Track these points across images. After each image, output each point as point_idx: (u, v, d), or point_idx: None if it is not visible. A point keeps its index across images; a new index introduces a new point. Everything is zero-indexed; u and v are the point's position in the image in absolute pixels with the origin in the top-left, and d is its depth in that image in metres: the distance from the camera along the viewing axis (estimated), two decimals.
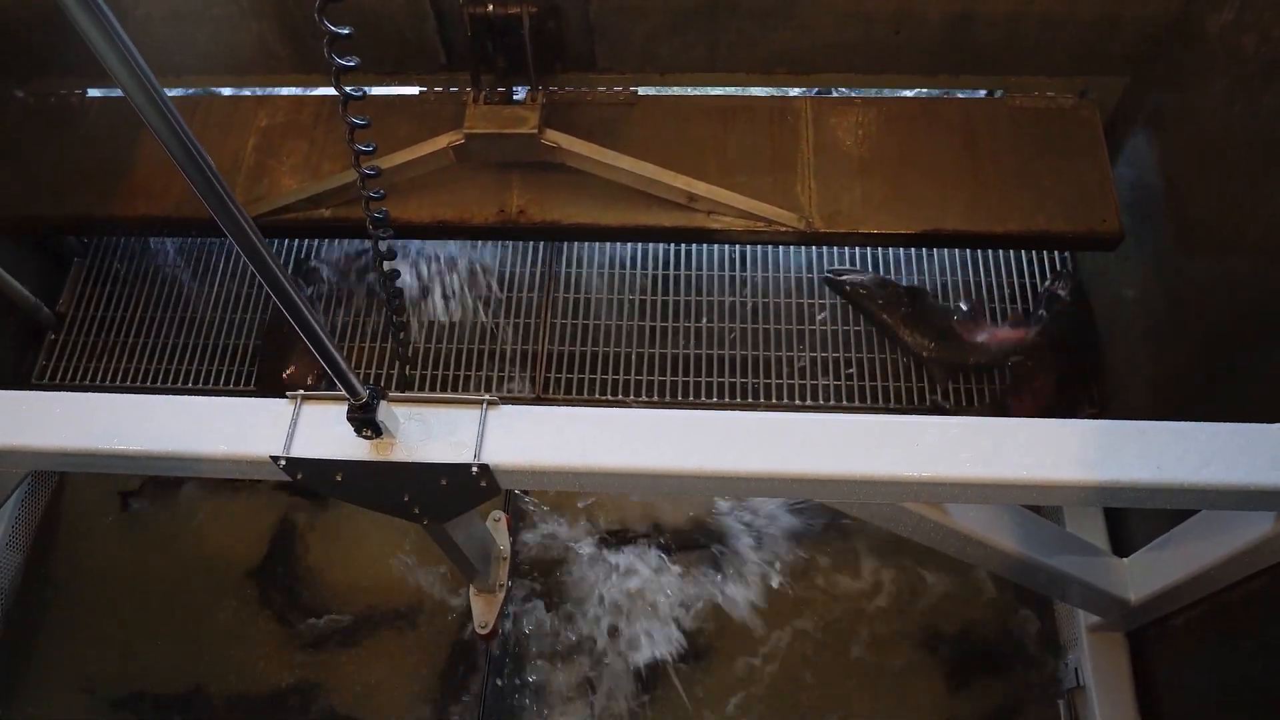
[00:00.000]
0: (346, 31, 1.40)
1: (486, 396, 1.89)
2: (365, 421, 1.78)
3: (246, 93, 3.51)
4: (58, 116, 3.45)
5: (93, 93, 3.55)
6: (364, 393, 1.74)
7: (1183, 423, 1.78)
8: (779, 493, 1.81)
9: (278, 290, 1.45)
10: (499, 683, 3.16)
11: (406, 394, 1.91)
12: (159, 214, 3.20)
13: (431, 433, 1.88)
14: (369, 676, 3.26)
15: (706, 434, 1.83)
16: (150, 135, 3.61)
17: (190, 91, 3.58)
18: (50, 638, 3.36)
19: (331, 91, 3.38)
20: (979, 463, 1.78)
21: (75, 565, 3.48)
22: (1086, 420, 1.85)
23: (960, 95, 3.36)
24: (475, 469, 1.84)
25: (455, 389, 3.46)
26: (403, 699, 3.21)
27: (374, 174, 1.81)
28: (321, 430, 1.89)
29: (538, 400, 3.46)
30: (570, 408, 1.92)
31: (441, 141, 2.93)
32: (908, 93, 3.32)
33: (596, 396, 3.44)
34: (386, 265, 2.01)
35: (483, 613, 2.94)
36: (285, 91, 3.45)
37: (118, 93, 3.66)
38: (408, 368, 2.24)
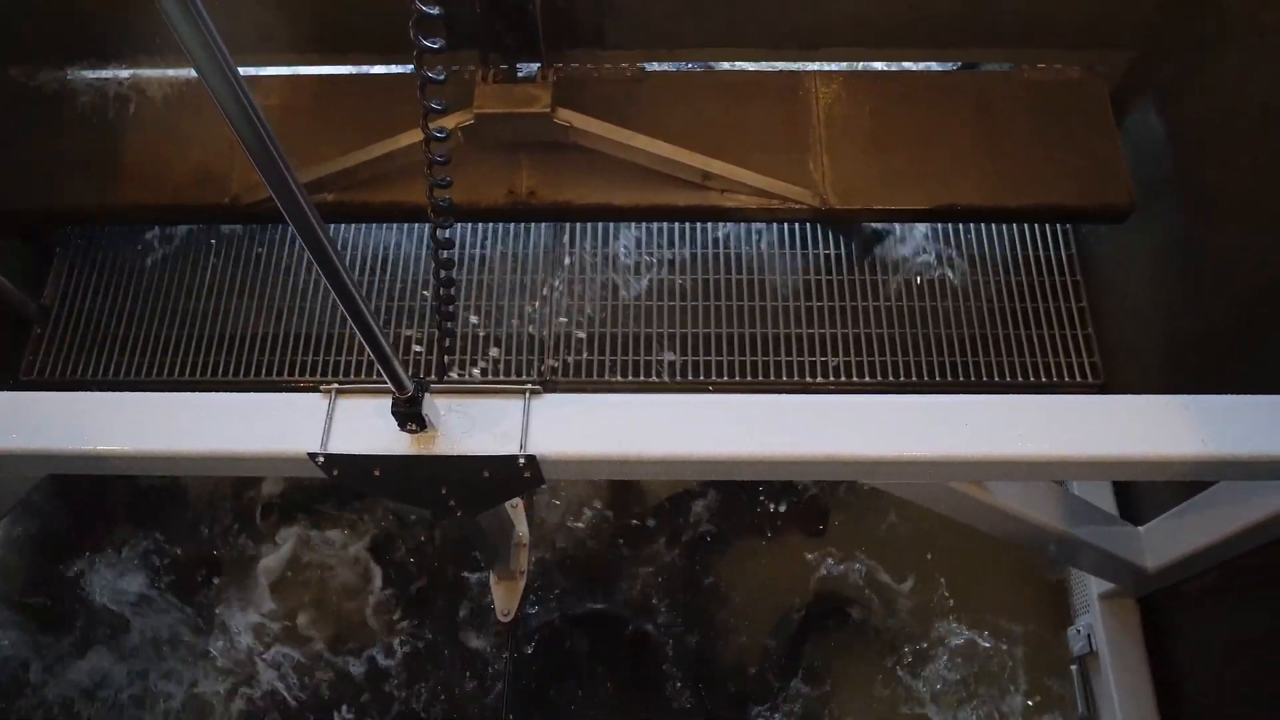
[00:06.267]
0: (436, 12, 1.34)
1: (529, 385, 1.85)
2: (410, 415, 1.73)
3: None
4: (43, 102, 3.31)
5: (75, 76, 3.42)
6: (410, 386, 1.69)
7: (1232, 395, 1.79)
8: (832, 475, 1.80)
9: (335, 280, 1.40)
10: None
11: (447, 384, 1.86)
12: (155, 202, 3.10)
13: (475, 424, 1.83)
14: None
15: (755, 418, 1.80)
16: (141, 122, 3.48)
17: (176, 73, 3.45)
18: None
19: (330, 70, 3.34)
20: (1030, 441, 1.78)
21: None
22: (1132, 396, 1.85)
23: (969, 69, 3.35)
24: (522, 460, 1.80)
25: (465, 374, 3.41)
26: None
27: (444, 160, 1.76)
28: (359, 424, 1.84)
29: (545, 384, 3.42)
30: (614, 395, 1.89)
31: (450, 122, 2.85)
32: (918, 67, 3.30)
33: (607, 378, 3.40)
34: (444, 254, 1.95)
35: (505, 600, 2.91)
36: (280, 72, 3.34)
37: (106, 74, 3.52)
38: (446, 358, 2.20)
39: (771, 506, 3.40)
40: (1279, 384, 2.12)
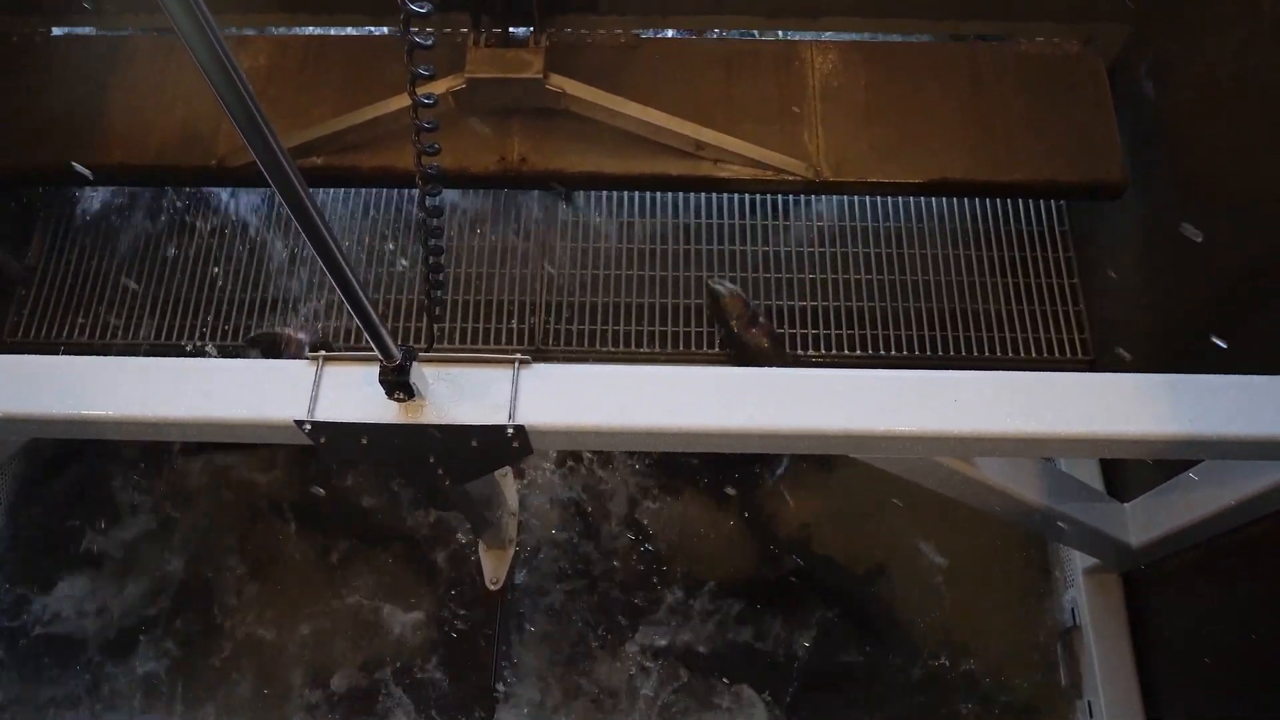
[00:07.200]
0: None
1: (518, 355, 1.84)
2: (398, 384, 1.72)
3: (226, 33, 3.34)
4: (21, 57, 3.25)
5: (57, 31, 3.35)
6: (398, 354, 1.68)
7: (1218, 375, 1.79)
8: (821, 448, 1.81)
9: (321, 247, 1.37)
10: None
11: (434, 353, 1.85)
12: (139, 163, 3.05)
13: (463, 394, 1.82)
14: None
15: (747, 391, 1.80)
16: (125, 80, 3.40)
17: (161, 30, 3.39)
18: None
19: (320, 31, 3.28)
20: (1018, 417, 1.78)
21: None
22: (1120, 374, 1.85)
23: (965, 42, 3.31)
24: (510, 430, 1.80)
25: (454, 342, 3.39)
26: None
27: (433, 127, 1.73)
28: (347, 392, 1.83)
29: (536, 352, 3.40)
30: (603, 365, 1.88)
31: (441, 86, 2.81)
32: (915, 38, 3.26)
33: (597, 348, 3.39)
34: (433, 223, 1.92)
35: (493, 569, 2.93)
36: (268, 32, 3.28)
37: (89, 30, 3.45)
38: (435, 326, 2.18)
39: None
40: (1265, 364, 2.12)
